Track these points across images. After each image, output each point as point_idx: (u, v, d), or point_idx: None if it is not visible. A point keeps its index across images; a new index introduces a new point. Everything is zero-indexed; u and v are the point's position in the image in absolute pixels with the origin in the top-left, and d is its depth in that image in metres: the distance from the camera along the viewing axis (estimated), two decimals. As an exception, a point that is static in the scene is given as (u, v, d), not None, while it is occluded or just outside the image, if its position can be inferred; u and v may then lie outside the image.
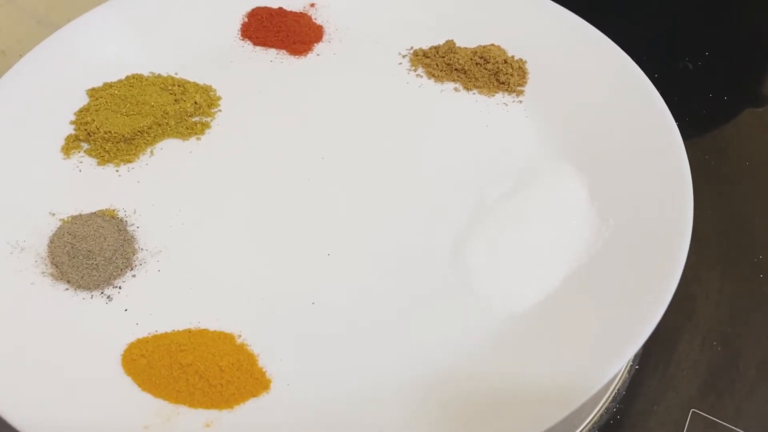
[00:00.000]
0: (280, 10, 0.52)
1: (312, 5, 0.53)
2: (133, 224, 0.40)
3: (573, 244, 0.38)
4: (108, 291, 0.37)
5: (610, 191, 0.40)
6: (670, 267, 0.35)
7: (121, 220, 0.40)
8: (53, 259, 0.38)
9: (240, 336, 0.35)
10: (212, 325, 0.36)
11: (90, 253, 0.38)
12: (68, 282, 0.37)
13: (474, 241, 0.39)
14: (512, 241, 0.39)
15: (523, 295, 0.36)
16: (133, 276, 0.38)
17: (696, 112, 0.57)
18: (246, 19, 0.52)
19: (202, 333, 0.35)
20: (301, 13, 0.53)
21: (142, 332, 0.35)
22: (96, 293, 0.37)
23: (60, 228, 0.39)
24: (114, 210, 0.41)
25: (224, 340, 0.35)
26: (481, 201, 0.41)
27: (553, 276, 0.37)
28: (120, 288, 0.37)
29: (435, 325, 0.36)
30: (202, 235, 0.39)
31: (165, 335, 0.35)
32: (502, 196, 0.41)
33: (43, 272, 0.37)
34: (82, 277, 0.37)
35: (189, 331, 0.35)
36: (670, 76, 0.54)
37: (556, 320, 0.35)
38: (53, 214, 0.40)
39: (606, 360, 0.32)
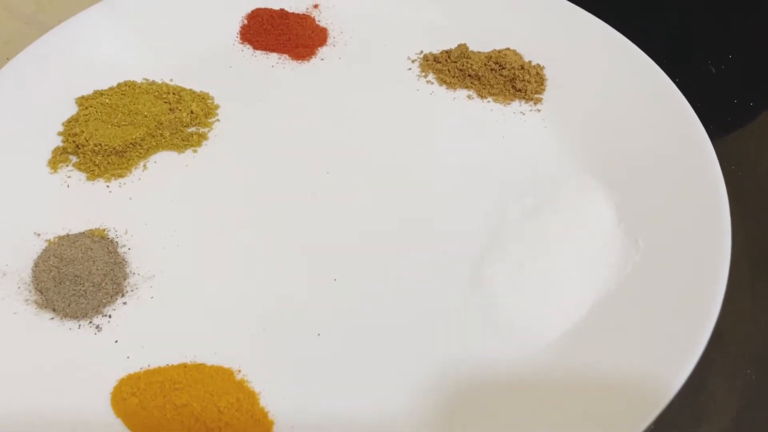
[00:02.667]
0: (282, 12, 0.49)
1: (315, 6, 0.50)
2: (124, 245, 0.37)
3: (600, 268, 0.36)
4: (97, 320, 0.34)
5: (638, 209, 0.38)
6: (708, 295, 0.32)
7: (112, 241, 0.37)
8: (38, 285, 0.35)
9: (240, 371, 0.32)
10: (209, 359, 0.33)
11: (77, 279, 0.35)
12: (54, 310, 0.34)
13: (494, 265, 0.36)
14: (535, 265, 0.36)
15: (547, 325, 0.34)
16: (124, 303, 0.35)
17: (719, 118, 0.54)
18: (245, 22, 0.49)
19: (199, 368, 0.32)
20: (303, 14, 0.50)
21: (134, 367, 0.33)
22: (84, 323, 0.34)
23: (45, 250, 0.37)
24: (104, 230, 0.38)
25: (222, 376, 0.32)
26: (501, 220, 0.38)
27: (579, 304, 0.34)
28: (110, 317, 0.34)
29: (452, 358, 0.33)
30: (199, 258, 0.37)
31: (158, 370, 0.32)
32: (523, 215, 0.38)
33: (26, 300, 0.35)
34: (69, 305, 0.35)
35: (184, 365, 0.33)
36: (691, 80, 0.51)
37: (583, 354, 0.32)
38: (38, 235, 0.37)
39: (638, 406, 0.29)
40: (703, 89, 0.55)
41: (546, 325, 0.34)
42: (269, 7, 0.50)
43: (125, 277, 0.36)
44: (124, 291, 0.36)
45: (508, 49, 0.46)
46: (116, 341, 0.33)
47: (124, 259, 0.37)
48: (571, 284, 0.35)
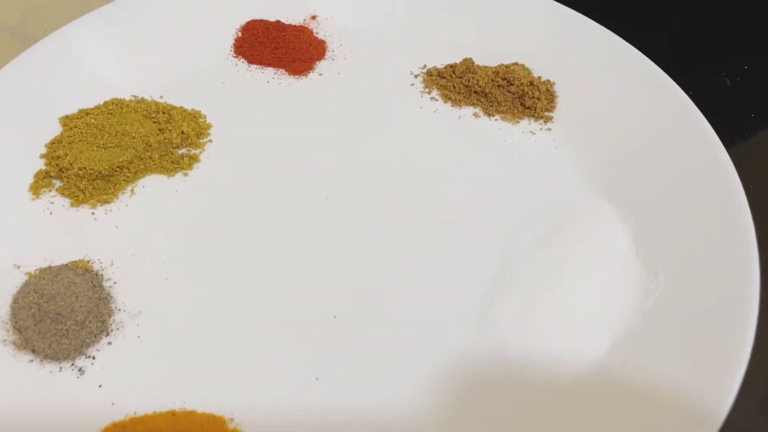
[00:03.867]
0: (278, 24, 0.47)
1: (313, 17, 0.48)
2: (109, 279, 0.35)
3: (618, 303, 0.33)
4: (80, 362, 0.32)
5: (657, 237, 0.35)
6: (738, 335, 0.30)
7: (96, 274, 0.35)
8: (16, 323, 0.33)
9: (233, 420, 0.30)
10: (200, 406, 0.31)
11: (59, 317, 0.33)
12: (33, 351, 0.32)
13: (504, 299, 0.34)
14: (548, 301, 0.33)
15: (561, 367, 0.31)
16: (109, 343, 0.33)
17: (735, 134, 0.52)
18: (240, 34, 0.47)
19: (189, 416, 0.30)
20: (301, 26, 0.47)
21: (119, 414, 0.30)
22: (66, 365, 0.32)
23: (25, 284, 0.34)
24: (88, 261, 0.35)
25: (214, 424, 0.30)
26: (511, 249, 0.36)
27: (596, 345, 0.32)
28: (93, 358, 0.32)
29: (459, 401, 0.31)
30: (190, 293, 0.34)
31: (145, 418, 0.30)
32: (534, 245, 0.36)
33: (4, 340, 0.32)
34: (50, 346, 0.32)
35: (173, 413, 0.30)
36: (706, 94, 0.49)
37: (601, 399, 0.30)
38: (18, 267, 0.35)
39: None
40: (718, 103, 0.53)
41: (560, 368, 0.31)
42: (264, 18, 0.47)
43: (110, 314, 0.34)
44: (109, 329, 0.33)
45: (516, 63, 0.44)
46: (100, 385, 0.31)
47: (109, 294, 0.34)
48: (587, 322, 0.33)
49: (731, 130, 0.51)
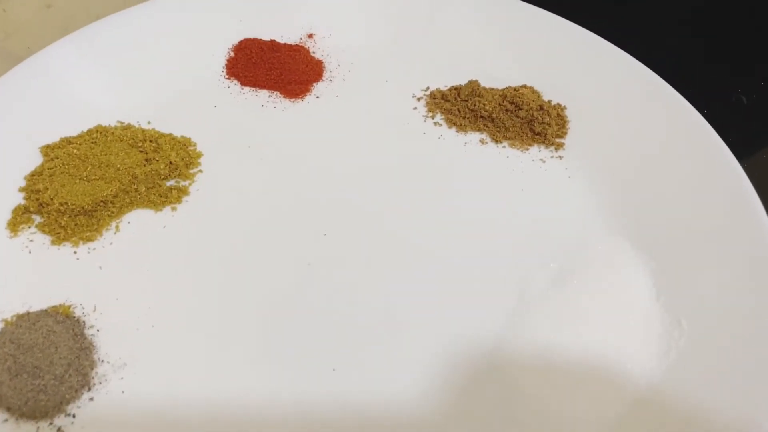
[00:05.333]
0: (273, 43, 0.44)
1: (310, 36, 0.46)
2: (92, 326, 0.32)
3: (638, 354, 0.31)
4: (59, 421, 0.30)
5: (679, 279, 0.33)
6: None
7: (78, 321, 0.33)
8: (-10, 378, 0.30)
9: (224, 487, 0.28)
10: (189, 471, 0.28)
11: (37, 370, 0.30)
12: (8, 410, 0.30)
13: (516, 349, 0.31)
14: (563, 351, 0.31)
15: (578, 426, 0.29)
16: (91, 399, 0.30)
17: (753, 154, 0.49)
18: (232, 54, 0.44)
19: (177, 483, 0.28)
20: (297, 45, 0.45)
21: (101, 482, 0.28)
22: (43, 424, 0.30)
23: (1, 333, 0.32)
24: (69, 306, 0.33)
25: (204, 493, 0.27)
26: (524, 293, 0.33)
27: (615, 400, 0.30)
28: (74, 416, 0.30)
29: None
30: (178, 342, 0.32)
31: (129, 486, 0.28)
32: (548, 287, 0.33)
33: (-24, 397, 0.30)
34: (26, 403, 0.30)
35: (160, 480, 0.28)
36: (721, 112, 0.47)
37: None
38: (-7, 313, 0.32)
39: None
40: (735, 121, 0.50)
41: (576, 427, 0.29)
42: (259, 37, 0.45)
43: (93, 366, 0.31)
44: (91, 384, 0.31)
45: (524, 86, 0.42)
46: (81, 448, 0.29)
47: (91, 344, 0.32)
48: (605, 376, 0.30)
49: (748, 149, 0.49)
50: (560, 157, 0.39)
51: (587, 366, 0.31)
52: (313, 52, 0.45)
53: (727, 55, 0.55)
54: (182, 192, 0.38)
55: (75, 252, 0.35)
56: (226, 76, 0.44)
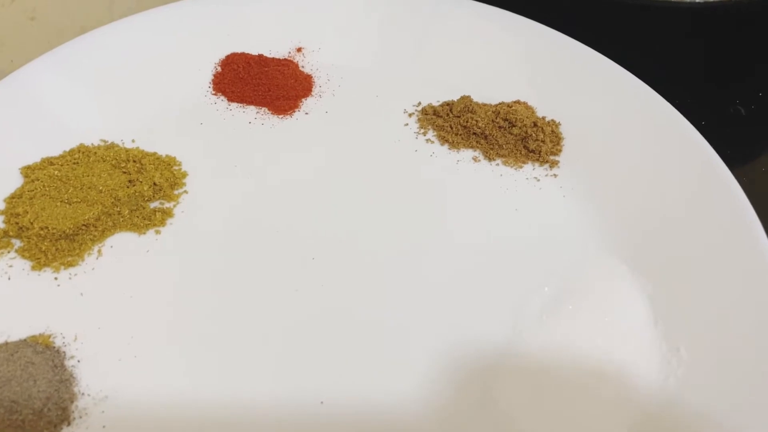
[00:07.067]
0: (260, 58, 0.43)
1: (299, 50, 0.45)
2: (72, 356, 0.31)
3: (635, 384, 0.30)
4: (37, 459, 0.28)
5: (678, 305, 0.32)
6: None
7: (58, 351, 0.32)
8: (-35, 413, 0.29)
9: None
10: None
11: (14, 405, 0.29)
12: (-16, 447, 0.29)
13: (510, 380, 0.30)
14: (558, 380, 0.30)
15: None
16: (71, 435, 0.29)
17: (752, 168, 0.49)
18: (219, 69, 0.43)
19: None
20: (285, 60, 0.44)
21: None
22: (20, 463, 0.28)
23: (-23, 365, 0.31)
24: (49, 336, 0.32)
25: None
26: (518, 320, 0.32)
27: (612, 428, 0.29)
28: (52, 454, 0.29)
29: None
30: (163, 373, 0.31)
31: None
32: (542, 311, 0.32)
33: (-50, 434, 0.29)
34: (3, 440, 0.29)
35: None
36: (719, 124, 0.46)
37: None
38: (-30, 343, 0.31)
39: None
40: (733, 134, 0.50)
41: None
42: (246, 51, 0.44)
43: (72, 399, 0.30)
44: (71, 418, 0.30)
45: (518, 102, 0.41)
46: (59, 488, 0.28)
47: (72, 376, 0.31)
48: (601, 406, 0.29)
49: (747, 163, 0.48)
50: (554, 175, 0.38)
51: (583, 395, 0.30)
52: (302, 67, 0.44)
53: (725, 66, 0.54)
54: (166, 214, 0.37)
55: (56, 278, 0.34)
56: (213, 92, 0.43)
